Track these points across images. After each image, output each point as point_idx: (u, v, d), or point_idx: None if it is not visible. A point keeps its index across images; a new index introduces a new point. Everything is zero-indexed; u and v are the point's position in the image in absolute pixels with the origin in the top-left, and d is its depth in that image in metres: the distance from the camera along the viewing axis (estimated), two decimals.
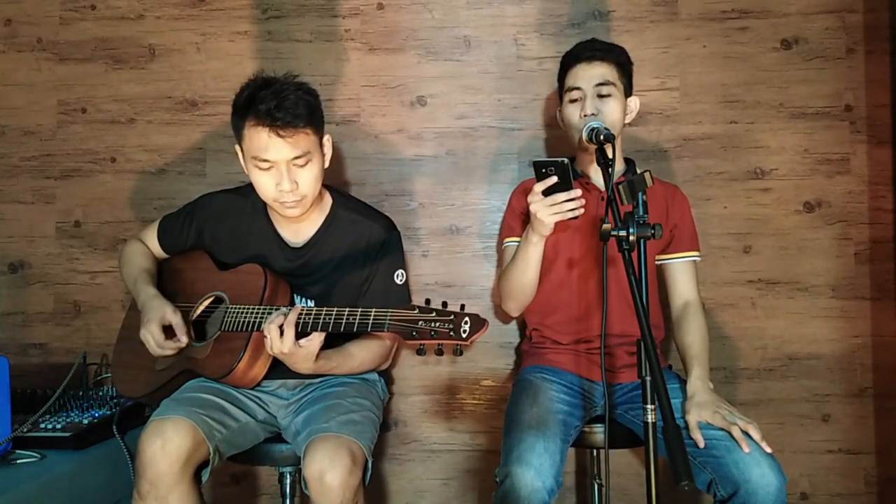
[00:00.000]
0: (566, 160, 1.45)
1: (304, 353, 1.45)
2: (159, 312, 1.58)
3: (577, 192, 1.47)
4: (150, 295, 1.64)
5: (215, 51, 2.21)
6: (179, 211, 1.83)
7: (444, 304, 1.33)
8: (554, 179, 1.46)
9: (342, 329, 1.42)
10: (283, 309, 1.46)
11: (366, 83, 2.18)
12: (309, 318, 1.44)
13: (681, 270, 1.77)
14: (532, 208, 1.50)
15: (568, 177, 1.46)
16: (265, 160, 1.54)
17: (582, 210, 1.48)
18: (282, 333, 1.42)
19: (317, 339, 1.45)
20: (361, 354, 1.65)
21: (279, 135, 1.51)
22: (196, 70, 2.21)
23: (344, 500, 1.39)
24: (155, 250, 1.83)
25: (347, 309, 1.42)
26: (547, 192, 1.48)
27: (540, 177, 1.48)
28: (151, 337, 1.56)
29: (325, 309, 1.44)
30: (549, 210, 1.47)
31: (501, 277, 1.79)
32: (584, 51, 1.69)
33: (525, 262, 1.65)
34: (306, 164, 1.56)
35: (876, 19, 2.07)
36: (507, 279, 1.74)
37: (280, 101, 1.50)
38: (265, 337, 1.45)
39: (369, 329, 1.37)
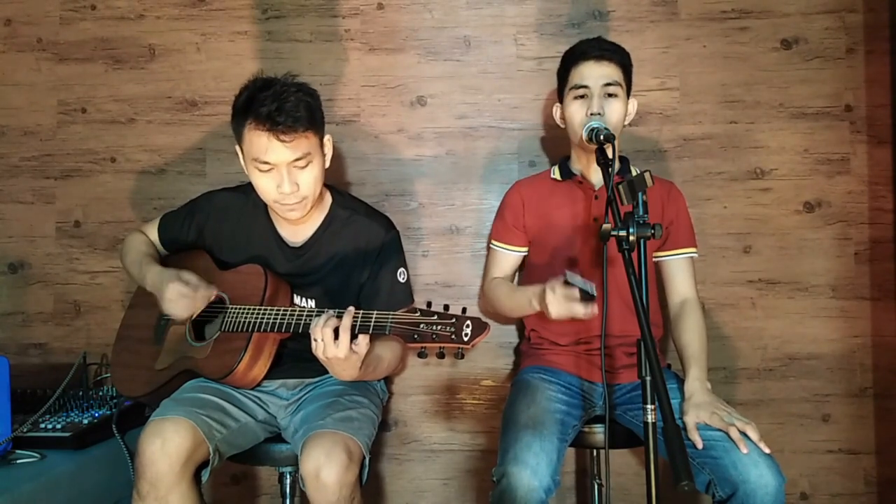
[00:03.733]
0: (595, 293, 1.45)
1: (356, 358, 1.38)
2: (173, 275, 1.59)
3: (594, 310, 1.45)
4: (157, 270, 1.65)
5: (215, 51, 2.21)
6: (181, 208, 1.83)
7: (446, 307, 1.32)
8: (577, 296, 1.47)
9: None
10: (331, 311, 1.39)
11: (366, 83, 2.18)
12: (309, 321, 1.44)
13: (678, 267, 1.77)
14: (548, 299, 1.49)
15: (591, 300, 1.46)
16: (265, 162, 1.54)
17: (595, 312, 1.48)
18: (336, 337, 1.35)
19: (364, 341, 1.36)
20: (388, 356, 1.62)
21: (279, 139, 1.50)
22: (196, 70, 2.21)
23: (340, 497, 1.38)
24: (156, 245, 1.83)
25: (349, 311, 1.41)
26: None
27: (568, 286, 1.48)
28: (177, 293, 1.55)
29: (325, 311, 1.43)
30: (561, 310, 1.48)
31: (491, 296, 1.85)
32: (593, 49, 1.68)
33: (518, 309, 1.72)
34: (307, 165, 1.56)
35: (876, 19, 2.07)
36: (496, 302, 1.83)
37: (280, 104, 1.49)
38: (315, 340, 1.36)
39: (370, 332, 1.35)
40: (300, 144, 1.53)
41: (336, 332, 1.35)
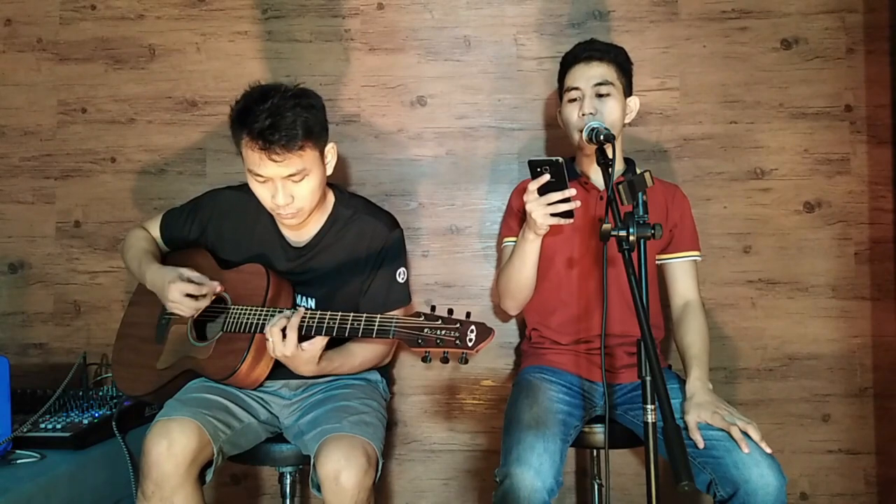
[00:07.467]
0: (561, 159, 1.45)
1: (307, 356, 1.45)
2: (174, 273, 1.59)
3: (572, 191, 1.47)
4: (156, 268, 1.65)
5: (215, 51, 2.20)
6: (184, 205, 1.83)
7: (450, 312, 1.33)
8: (547, 178, 1.47)
9: (346, 334, 1.42)
10: (287, 312, 1.46)
11: (366, 83, 2.18)
12: (313, 322, 1.44)
13: (681, 270, 1.77)
14: (528, 207, 1.51)
15: (563, 176, 1.46)
16: (259, 175, 1.54)
17: (578, 204, 1.48)
18: (284, 336, 1.42)
19: (318, 342, 1.45)
20: (363, 353, 1.65)
21: (271, 158, 1.48)
22: (196, 70, 2.20)
23: (359, 501, 1.40)
24: (157, 241, 1.83)
25: (352, 314, 1.42)
26: (542, 191, 1.49)
27: (535, 175, 1.49)
28: (180, 293, 1.55)
29: (328, 313, 1.44)
30: (544, 209, 1.49)
31: (500, 276, 1.80)
32: (583, 51, 1.70)
33: (522, 260, 1.66)
34: (301, 179, 1.54)
35: (876, 19, 2.07)
36: (504, 277, 1.75)
37: (275, 122, 1.46)
38: (267, 340, 1.44)
39: (374, 335, 1.38)
40: (293, 162, 1.51)
41: (284, 331, 1.42)
